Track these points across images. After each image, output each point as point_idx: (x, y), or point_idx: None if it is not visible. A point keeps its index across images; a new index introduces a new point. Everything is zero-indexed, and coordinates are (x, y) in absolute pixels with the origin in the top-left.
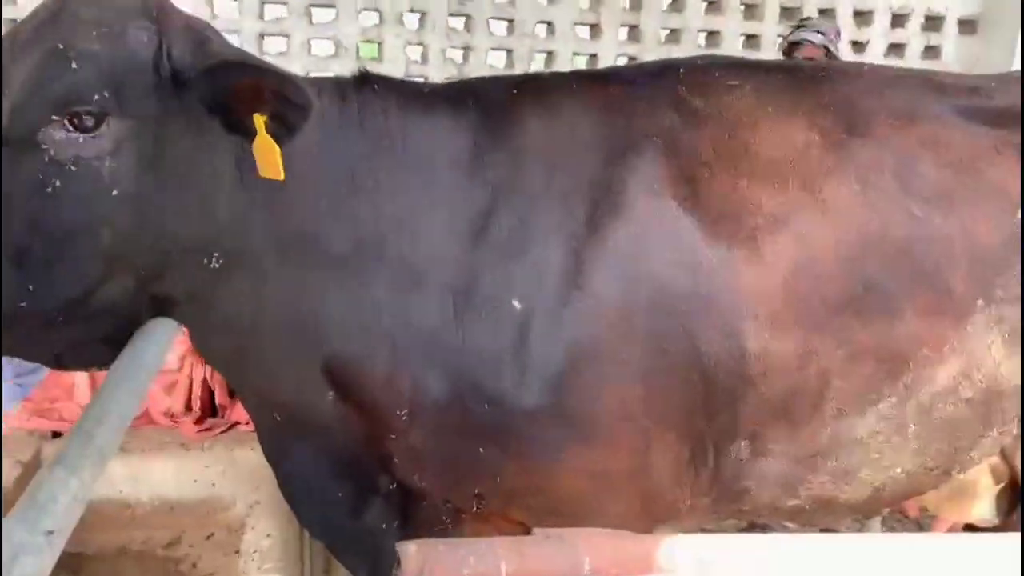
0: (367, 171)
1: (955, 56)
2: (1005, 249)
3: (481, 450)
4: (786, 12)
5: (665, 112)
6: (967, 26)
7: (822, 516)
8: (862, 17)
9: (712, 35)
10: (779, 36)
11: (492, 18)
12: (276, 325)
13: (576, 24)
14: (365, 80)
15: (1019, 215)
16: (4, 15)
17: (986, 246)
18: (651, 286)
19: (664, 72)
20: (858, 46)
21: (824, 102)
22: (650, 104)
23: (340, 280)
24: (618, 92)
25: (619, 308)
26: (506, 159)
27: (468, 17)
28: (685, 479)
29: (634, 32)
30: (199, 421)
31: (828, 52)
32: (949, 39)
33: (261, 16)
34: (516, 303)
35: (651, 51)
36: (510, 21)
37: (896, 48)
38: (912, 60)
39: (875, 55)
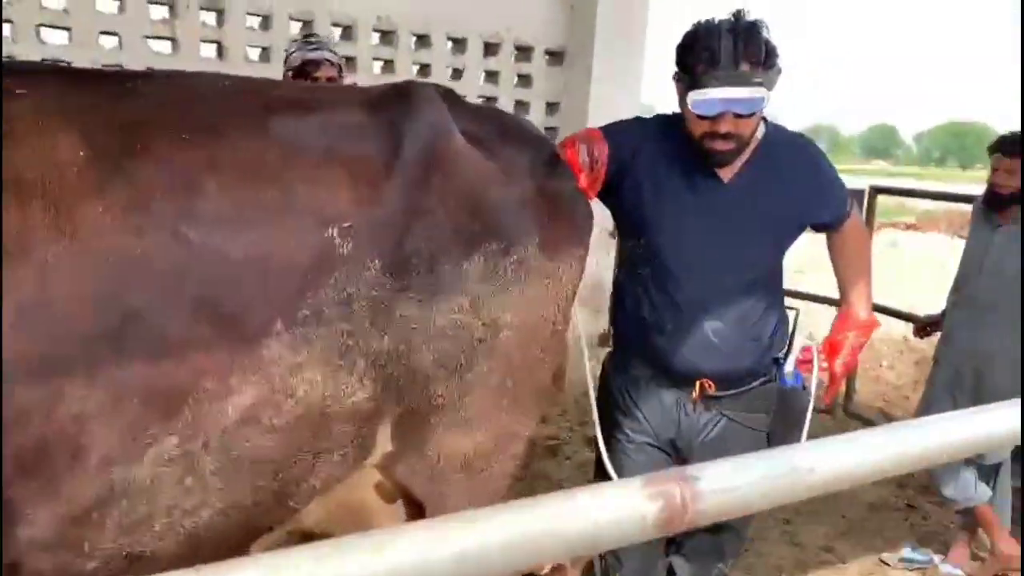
0: None
1: (545, 84)
2: (312, 267)
3: None
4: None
5: None
6: (555, 57)
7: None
8: (458, 45)
9: None
10: (286, 50)
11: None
12: None
13: (147, 37)
14: None
15: (332, 231)
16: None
17: (286, 267)
18: None
19: None
20: (456, 73)
21: (113, 118)
22: None
23: None
24: None
25: None
26: None
27: None
28: None
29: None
30: None
31: (340, 70)
32: (538, 68)
33: None
34: None
35: (239, 69)
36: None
37: (492, 75)
38: (506, 87)
39: (472, 82)
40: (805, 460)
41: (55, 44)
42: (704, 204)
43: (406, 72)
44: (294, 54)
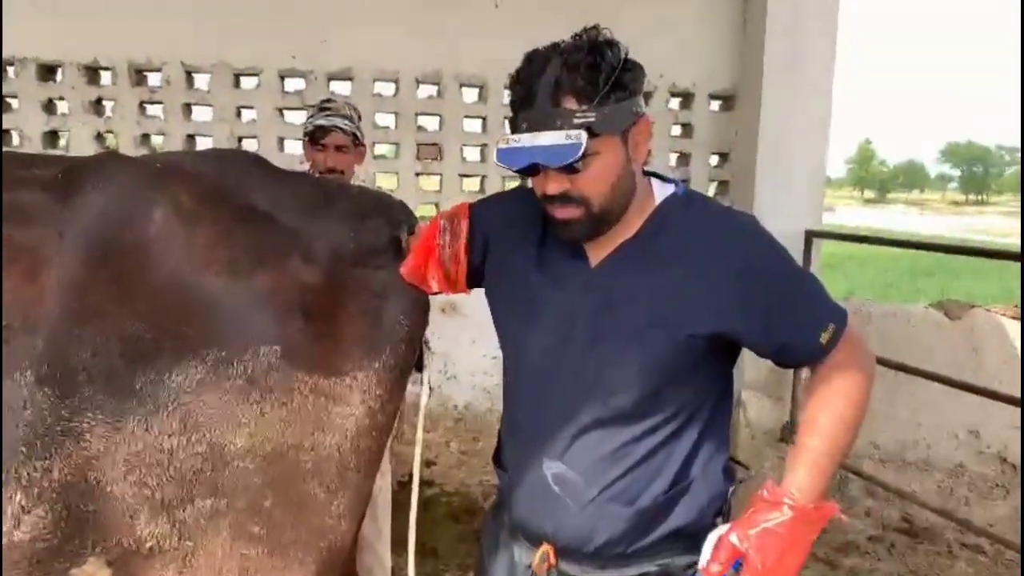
0: None
1: (710, 133)
2: None
3: None
4: None
5: None
6: (726, 101)
7: None
8: None
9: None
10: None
11: None
12: None
13: (281, 108)
14: None
15: None
16: None
17: None
18: None
19: None
20: None
21: None
22: None
23: None
24: None
25: None
26: None
27: None
28: None
29: None
30: None
31: (356, 139)
32: (701, 115)
33: None
34: None
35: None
36: None
37: None
38: (662, 138)
39: None
40: None
41: (200, 120)
42: (559, 297)
43: None
44: (308, 120)
